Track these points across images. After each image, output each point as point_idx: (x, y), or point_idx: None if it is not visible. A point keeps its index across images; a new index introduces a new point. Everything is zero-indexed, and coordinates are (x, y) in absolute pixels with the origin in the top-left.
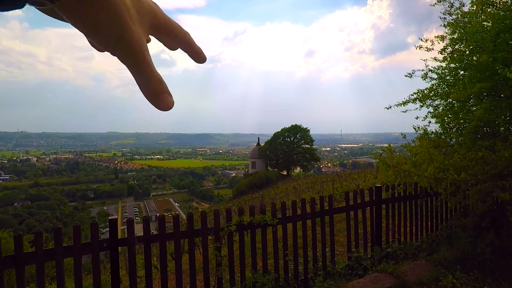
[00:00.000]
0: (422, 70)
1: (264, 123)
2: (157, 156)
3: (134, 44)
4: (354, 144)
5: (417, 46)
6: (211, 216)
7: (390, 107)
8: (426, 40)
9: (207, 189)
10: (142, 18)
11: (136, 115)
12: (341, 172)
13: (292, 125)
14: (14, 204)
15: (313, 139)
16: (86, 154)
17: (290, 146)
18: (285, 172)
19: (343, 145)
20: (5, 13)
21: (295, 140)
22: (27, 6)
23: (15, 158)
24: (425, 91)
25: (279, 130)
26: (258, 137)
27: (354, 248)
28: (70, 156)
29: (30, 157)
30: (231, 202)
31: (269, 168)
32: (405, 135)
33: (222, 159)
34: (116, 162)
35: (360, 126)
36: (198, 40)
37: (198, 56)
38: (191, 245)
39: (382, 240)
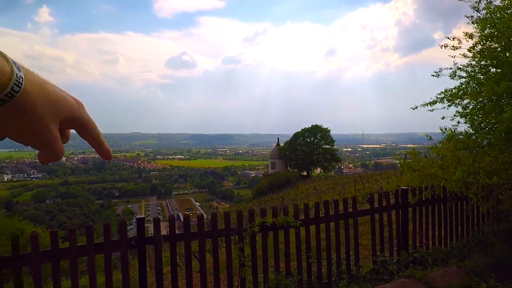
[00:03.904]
0: (450, 68)
1: (283, 123)
2: (178, 156)
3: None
4: (377, 144)
5: (442, 45)
6: (233, 216)
7: (416, 107)
8: (453, 38)
9: (227, 189)
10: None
11: (159, 116)
12: (363, 173)
13: (312, 125)
14: (46, 201)
15: (334, 139)
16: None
17: (310, 147)
18: (305, 173)
19: (364, 146)
20: (37, 20)
21: (315, 140)
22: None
23: None
24: (454, 90)
25: (299, 130)
26: (278, 138)
27: (379, 252)
28: (96, 156)
29: None
30: (251, 203)
31: (288, 168)
32: (430, 137)
33: (242, 160)
34: (139, 162)
35: (383, 126)
36: (219, 41)
37: (106, 154)
38: (215, 245)
39: (409, 244)
